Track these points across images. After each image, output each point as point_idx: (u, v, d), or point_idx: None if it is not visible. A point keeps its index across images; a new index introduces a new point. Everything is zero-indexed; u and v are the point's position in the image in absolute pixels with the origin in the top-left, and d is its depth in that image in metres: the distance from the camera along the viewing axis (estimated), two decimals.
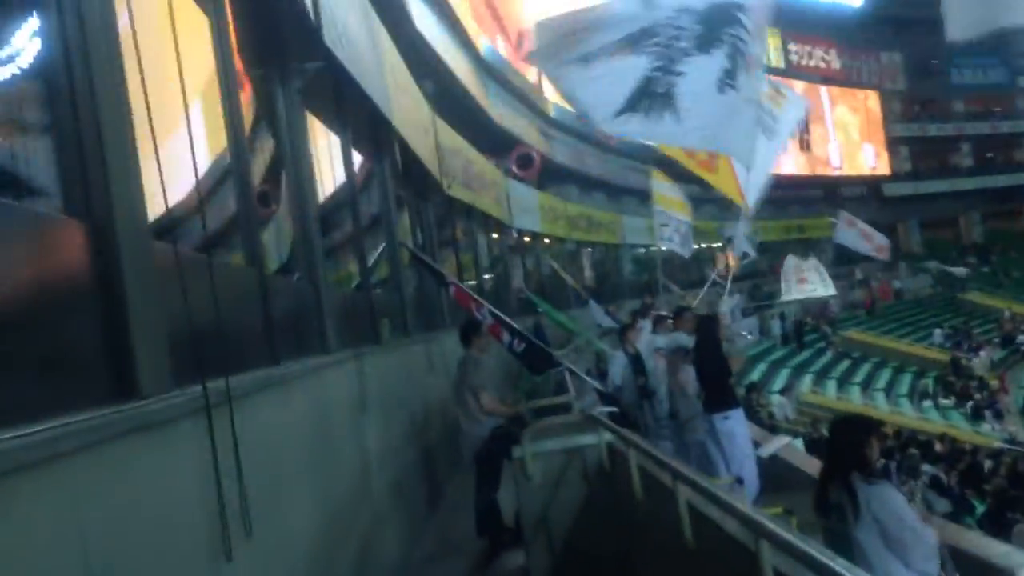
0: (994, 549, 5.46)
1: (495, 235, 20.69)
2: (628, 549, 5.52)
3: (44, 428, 1.93)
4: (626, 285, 33.20)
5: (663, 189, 18.55)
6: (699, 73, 6.34)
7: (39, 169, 2.75)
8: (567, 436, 6.16)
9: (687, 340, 8.49)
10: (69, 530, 1.99)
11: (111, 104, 2.79)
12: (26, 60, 2.69)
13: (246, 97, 6.54)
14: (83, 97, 2.69)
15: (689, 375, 8.10)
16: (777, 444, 9.04)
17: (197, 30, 5.30)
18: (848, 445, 4.49)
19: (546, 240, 25.64)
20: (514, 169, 23.93)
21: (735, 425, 8.10)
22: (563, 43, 6.31)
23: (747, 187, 9.64)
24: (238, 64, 5.38)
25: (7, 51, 2.64)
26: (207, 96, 5.29)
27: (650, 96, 6.21)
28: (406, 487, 7.82)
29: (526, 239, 24.17)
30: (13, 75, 2.67)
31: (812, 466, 8.47)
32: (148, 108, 2.77)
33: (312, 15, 6.32)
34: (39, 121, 2.79)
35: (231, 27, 5.19)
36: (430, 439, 9.40)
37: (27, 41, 2.70)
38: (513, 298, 19.94)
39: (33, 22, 2.70)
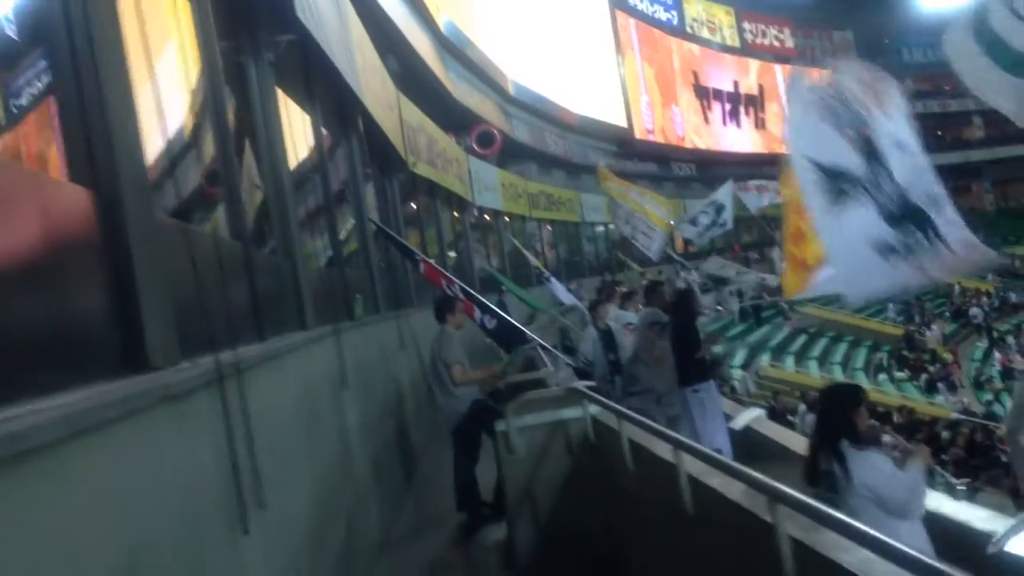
0: (974, 513, 5.57)
1: (456, 213, 20.62)
2: (615, 521, 5.57)
3: (85, 397, 1.88)
4: (586, 262, 33.32)
5: (633, 194, 18.63)
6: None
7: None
8: (551, 410, 6.17)
9: (661, 315, 8.53)
10: (108, 499, 1.94)
11: (113, 72, 2.72)
12: (28, 29, 2.60)
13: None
14: (86, 66, 2.62)
15: (666, 350, 8.14)
16: (748, 416, 9.13)
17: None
18: (837, 414, 4.55)
19: (507, 218, 25.62)
20: (475, 147, 23.84)
21: (706, 397, 8.18)
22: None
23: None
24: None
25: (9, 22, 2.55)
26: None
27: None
28: (384, 463, 7.80)
29: (487, 217, 24.14)
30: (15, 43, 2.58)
31: (784, 437, 8.59)
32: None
33: None
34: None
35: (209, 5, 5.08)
36: (404, 415, 9.40)
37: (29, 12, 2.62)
38: (476, 275, 19.92)
39: None
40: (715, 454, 3.62)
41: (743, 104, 48.77)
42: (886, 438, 5.38)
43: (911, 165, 6.08)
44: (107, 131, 2.63)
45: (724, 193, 23.22)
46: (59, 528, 1.72)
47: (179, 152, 4.59)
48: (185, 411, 2.50)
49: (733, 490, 3.63)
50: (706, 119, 46.39)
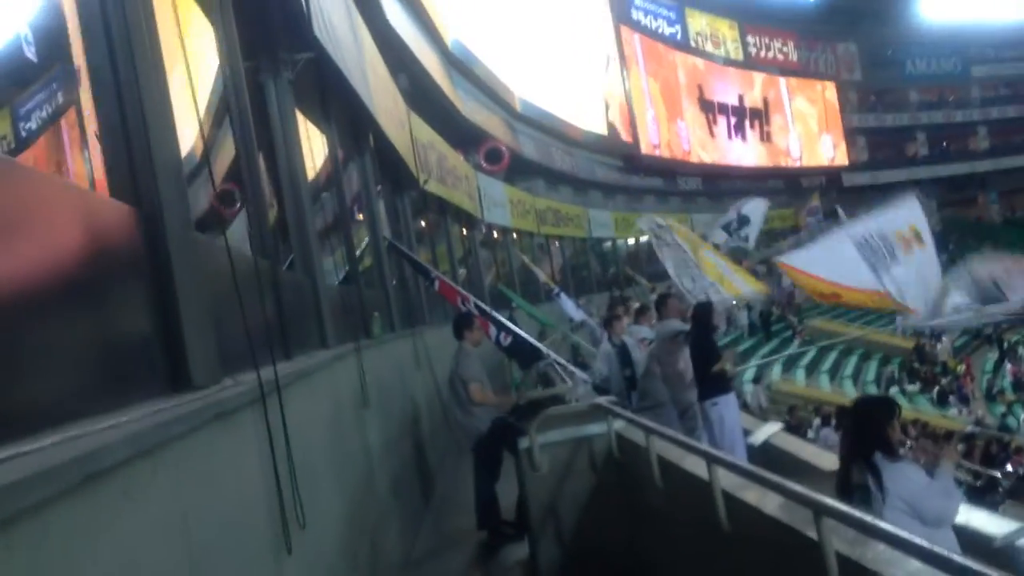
0: (1000, 525, 5.54)
1: (465, 230, 20.64)
2: (641, 538, 5.52)
3: (154, 411, 1.87)
4: (594, 278, 33.31)
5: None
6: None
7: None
8: (574, 426, 6.14)
9: (680, 324, 8.51)
10: (171, 519, 1.93)
11: (154, 92, 2.73)
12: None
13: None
14: (128, 84, 2.62)
15: (688, 361, 8.12)
16: (767, 430, 9.09)
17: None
18: (871, 426, 4.51)
19: (515, 234, 25.63)
20: (483, 163, 23.88)
21: (724, 410, 8.14)
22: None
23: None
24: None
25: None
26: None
27: None
28: (403, 481, 7.77)
29: (495, 233, 24.16)
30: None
31: (805, 451, 8.54)
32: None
33: (304, 5, 6.27)
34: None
35: (235, 27, 5.11)
36: (421, 433, 9.37)
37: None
38: (486, 292, 19.91)
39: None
40: (754, 468, 3.59)
41: (748, 118, 48.84)
42: (908, 443, 5.36)
43: None
44: (148, 149, 2.63)
45: (753, 208, 22.60)
46: (127, 549, 1.71)
47: (204, 170, 4.61)
48: (233, 429, 2.49)
49: (770, 504, 3.60)
50: (711, 133, 46.47)
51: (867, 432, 4.52)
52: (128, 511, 1.72)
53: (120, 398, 2.18)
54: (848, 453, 4.66)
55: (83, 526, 1.54)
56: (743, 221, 21.84)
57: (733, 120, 48.05)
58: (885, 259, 9.79)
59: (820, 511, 2.83)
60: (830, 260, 9.82)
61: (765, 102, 49.65)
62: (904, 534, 2.42)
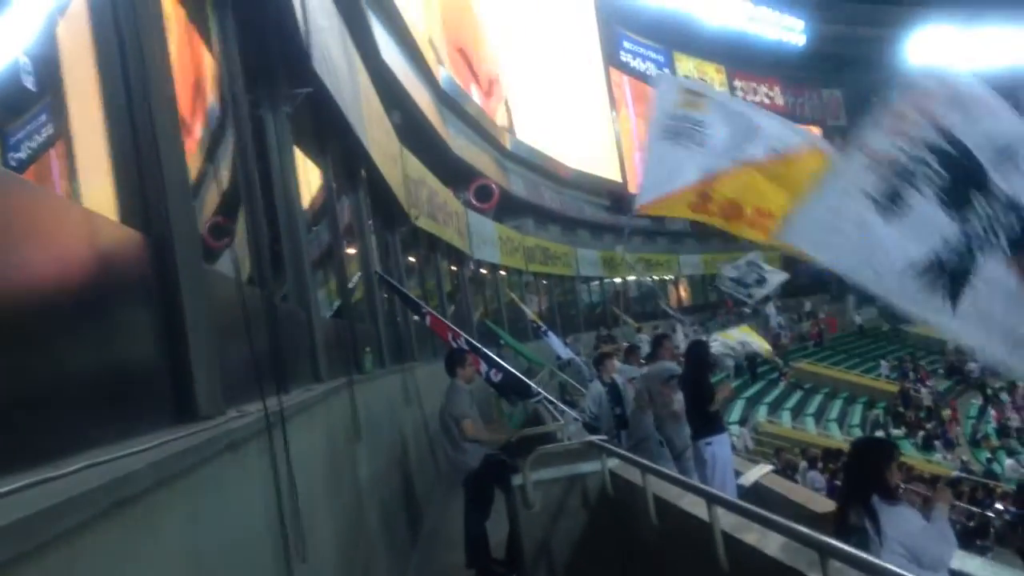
0: (993, 572, 5.53)
1: (454, 266, 20.65)
2: None
3: (165, 441, 1.85)
4: (582, 316, 33.33)
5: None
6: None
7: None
8: (568, 463, 6.11)
9: (674, 367, 8.50)
10: (189, 543, 1.91)
11: (166, 121, 2.73)
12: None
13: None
14: (140, 114, 2.63)
15: (682, 403, 8.10)
16: (758, 472, 9.06)
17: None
18: (870, 468, 4.51)
19: (503, 272, 25.66)
20: (472, 201, 23.95)
21: (717, 449, 8.11)
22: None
23: None
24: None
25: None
26: None
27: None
28: (392, 517, 7.69)
29: (483, 270, 24.18)
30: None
31: (796, 493, 8.52)
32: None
33: (304, 40, 6.32)
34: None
35: (238, 60, 5.14)
36: (409, 469, 9.30)
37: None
38: (474, 328, 19.88)
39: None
40: (757, 509, 3.58)
41: None
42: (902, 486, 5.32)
43: None
44: (160, 176, 2.63)
45: (774, 275, 21.85)
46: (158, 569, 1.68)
47: (207, 200, 4.61)
48: (241, 460, 2.47)
49: (771, 546, 3.58)
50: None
51: (865, 474, 4.51)
52: (149, 540, 1.70)
53: (127, 426, 2.16)
54: (846, 495, 4.65)
55: (110, 554, 1.52)
56: (760, 281, 21.45)
57: None
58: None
59: (826, 553, 2.82)
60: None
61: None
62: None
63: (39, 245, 1.97)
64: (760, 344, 18.45)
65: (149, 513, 1.69)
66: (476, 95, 26.01)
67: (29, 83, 4.12)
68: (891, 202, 4.88)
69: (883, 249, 4.85)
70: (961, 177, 4.81)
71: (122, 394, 2.24)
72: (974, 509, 12.79)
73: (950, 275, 4.71)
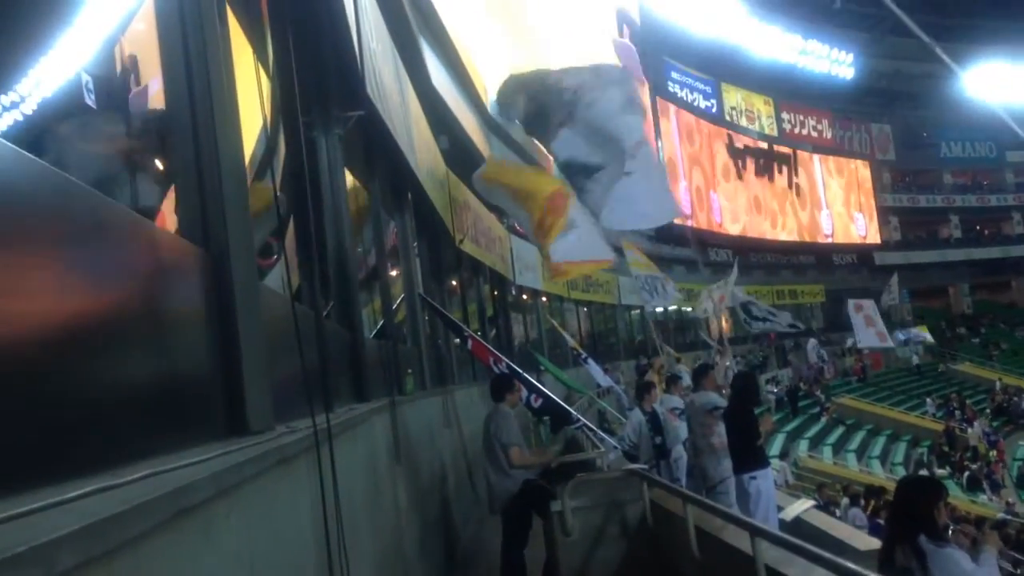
0: None
1: (495, 291, 20.69)
2: None
3: (220, 454, 1.88)
4: (622, 345, 33.18)
5: (633, 255, 18.70)
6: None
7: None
8: (607, 491, 6.08)
9: (718, 399, 8.41)
10: (244, 557, 1.93)
11: (229, 137, 2.79)
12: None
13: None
14: (205, 129, 2.69)
15: (723, 435, 8.02)
16: (799, 507, 8.95)
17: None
18: (918, 507, 4.43)
19: (544, 298, 25.65)
20: (517, 227, 24.01)
21: (761, 484, 8.01)
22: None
23: None
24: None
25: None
26: None
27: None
28: (429, 541, 7.68)
29: (524, 296, 24.19)
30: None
31: (837, 529, 8.39)
32: None
33: (358, 64, 6.41)
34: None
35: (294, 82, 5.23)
36: (447, 493, 9.30)
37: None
38: (515, 353, 19.88)
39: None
40: (802, 543, 3.53)
41: (775, 160, 48.97)
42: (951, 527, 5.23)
43: None
44: (220, 191, 2.68)
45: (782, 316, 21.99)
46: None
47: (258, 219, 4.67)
48: (292, 475, 2.49)
49: None
50: (739, 175, 46.38)
51: (913, 514, 4.43)
52: (208, 548, 1.72)
53: (182, 438, 2.19)
54: (892, 534, 4.56)
55: (172, 561, 1.55)
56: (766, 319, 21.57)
57: (761, 161, 48.16)
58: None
59: None
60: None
61: (794, 153, 49.81)
62: None
63: (104, 256, 2.02)
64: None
65: (208, 522, 1.72)
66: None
67: (91, 101, 4.24)
68: None
69: None
70: None
71: (177, 406, 2.28)
72: (1021, 557, 12.48)
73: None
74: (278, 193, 5.34)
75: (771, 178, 48.57)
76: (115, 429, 1.89)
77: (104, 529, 1.30)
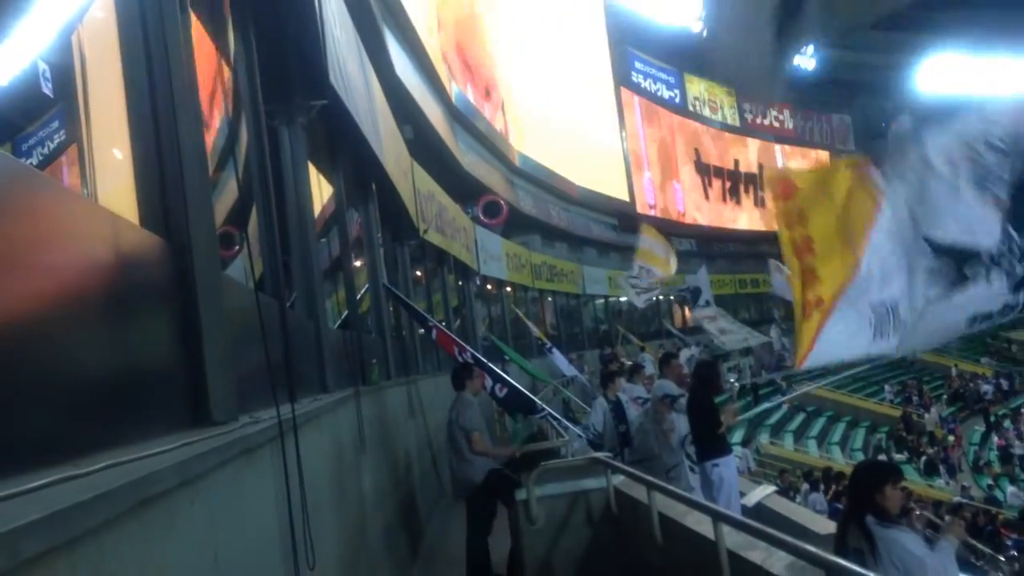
0: None
1: (460, 281, 20.69)
2: None
3: (182, 444, 1.88)
4: (586, 334, 33.31)
5: (648, 244, 18.72)
6: None
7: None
8: (572, 479, 6.12)
9: (673, 387, 8.51)
10: (209, 546, 1.93)
11: (190, 128, 2.77)
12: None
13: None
14: (165, 121, 2.67)
15: (674, 423, 8.12)
16: (761, 493, 9.05)
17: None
18: (868, 490, 4.51)
19: (509, 288, 25.68)
20: (481, 217, 24.02)
21: (724, 471, 8.11)
22: None
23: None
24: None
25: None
26: None
27: None
28: (393, 531, 7.69)
29: (489, 286, 24.22)
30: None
31: (799, 515, 8.51)
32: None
33: (321, 53, 6.36)
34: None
35: (256, 72, 5.19)
36: (412, 482, 9.30)
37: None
38: (479, 343, 19.89)
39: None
40: (764, 527, 3.58)
41: (743, 182, 49.35)
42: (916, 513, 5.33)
43: None
44: (182, 182, 2.66)
45: (699, 279, 22.79)
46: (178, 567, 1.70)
47: (219, 209, 4.65)
48: (256, 466, 2.49)
49: (776, 565, 3.59)
50: (706, 195, 46.85)
51: (862, 495, 4.51)
52: (171, 540, 1.72)
53: (144, 429, 2.18)
54: (845, 517, 4.65)
55: (136, 550, 1.55)
56: (696, 293, 21.99)
57: (728, 184, 48.55)
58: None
59: (833, 572, 2.83)
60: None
61: (760, 167, 50.19)
62: None
63: (63, 245, 2.00)
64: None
65: (172, 512, 1.72)
66: (486, 110, 26.06)
67: (48, 89, 4.18)
68: None
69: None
70: None
71: (140, 397, 2.27)
72: (986, 549, 12.70)
73: None
74: (240, 183, 5.31)
75: (739, 201, 48.93)
76: (77, 420, 1.88)
77: (66, 518, 1.30)
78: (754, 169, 50.10)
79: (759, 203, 49.70)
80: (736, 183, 49.13)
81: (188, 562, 1.82)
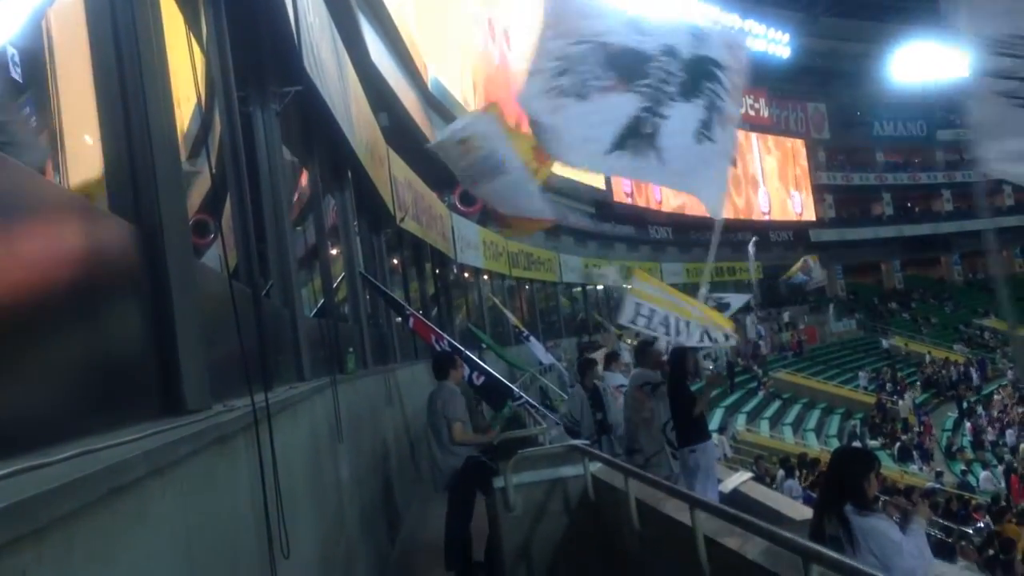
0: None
1: (437, 269, 20.63)
2: None
3: (154, 432, 1.85)
4: (563, 323, 33.35)
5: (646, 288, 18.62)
6: (681, 119, 6.72)
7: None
8: (549, 467, 6.12)
9: (649, 374, 8.53)
10: (181, 536, 1.90)
11: (160, 111, 2.72)
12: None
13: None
14: (135, 105, 2.62)
15: (655, 411, 8.14)
16: (737, 479, 9.11)
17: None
18: (848, 478, 4.51)
19: (486, 276, 25.65)
20: (458, 205, 23.94)
21: (701, 457, 8.15)
22: (552, 74, 6.45)
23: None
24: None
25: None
26: None
27: (637, 136, 6.50)
28: (371, 519, 7.67)
29: (466, 274, 24.17)
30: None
31: (775, 500, 8.57)
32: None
33: (295, 38, 6.30)
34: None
35: (229, 57, 5.12)
36: (389, 471, 9.28)
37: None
38: (456, 331, 19.86)
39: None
40: (741, 513, 3.59)
41: None
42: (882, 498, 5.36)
43: None
44: (152, 167, 2.61)
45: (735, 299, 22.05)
46: (141, 571, 1.67)
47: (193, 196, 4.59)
48: (229, 454, 2.46)
49: (752, 551, 3.60)
50: None
51: (842, 484, 4.51)
52: (142, 527, 1.69)
53: (114, 417, 2.14)
54: (822, 504, 4.65)
55: (104, 541, 1.52)
56: (724, 307, 21.51)
57: None
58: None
59: (810, 558, 2.84)
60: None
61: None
62: None
63: (25, 230, 1.96)
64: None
65: (142, 501, 1.69)
66: (448, 81, 25.91)
67: (17, 75, 4.10)
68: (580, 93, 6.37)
69: (589, 137, 6.47)
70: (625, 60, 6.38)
71: (109, 385, 2.23)
72: (952, 526, 12.90)
73: (648, 136, 6.25)
74: (213, 170, 5.25)
75: None
76: (44, 409, 1.84)
77: (33, 507, 1.27)
78: None
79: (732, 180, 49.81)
80: None
81: (159, 552, 1.79)
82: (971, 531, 13.00)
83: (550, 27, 6.58)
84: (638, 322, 10.57)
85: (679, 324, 8.66)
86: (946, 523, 12.98)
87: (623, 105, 6.39)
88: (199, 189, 6.62)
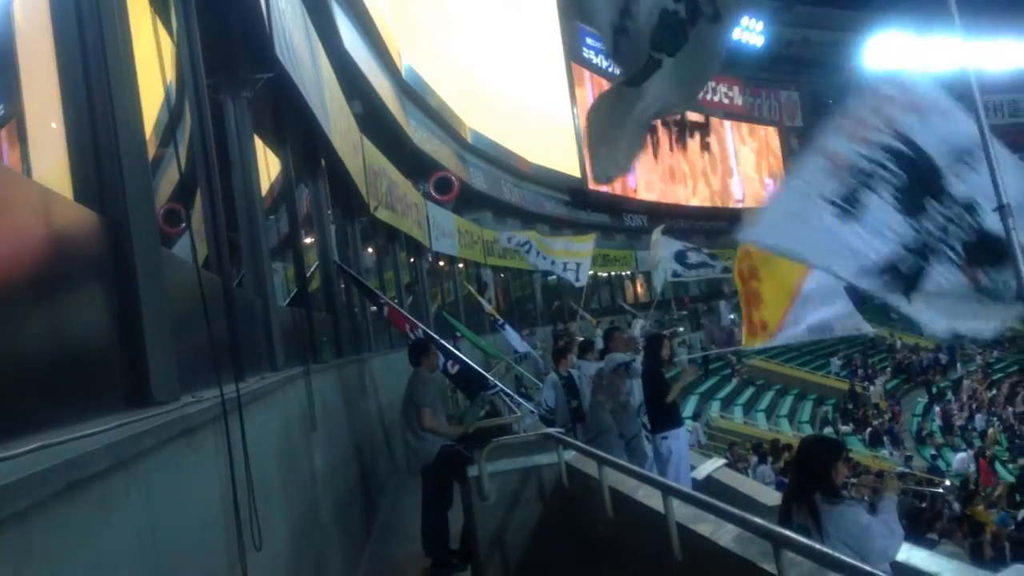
0: (938, 564, 5.63)
1: (412, 258, 20.58)
2: (591, 570, 5.50)
3: (120, 424, 1.82)
4: (539, 311, 33.39)
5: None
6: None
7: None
8: (523, 455, 6.12)
9: (622, 356, 8.57)
10: (146, 529, 1.88)
11: (126, 100, 2.68)
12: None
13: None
14: (99, 92, 2.57)
15: (630, 392, 8.19)
16: (711, 465, 9.17)
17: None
18: (815, 467, 4.52)
19: (461, 264, 25.62)
20: (432, 193, 23.88)
21: (674, 443, 8.20)
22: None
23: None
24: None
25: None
26: None
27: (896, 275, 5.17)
28: (346, 508, 7.65)
29: (441, 262, 24.12)
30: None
31: (747, 487, 8.64)
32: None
33: (266, 24, 6.24)
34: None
35: (199, 43, 5.05)
36: (364, 459, 9.26)
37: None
38: (431, 320, 19.83)
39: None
40: (712, 500, 3.61)
41: (688, 130, 49.49)
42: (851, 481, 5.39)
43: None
44: (118, 156, 2.58)
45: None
46: (103, 565, 1.65)
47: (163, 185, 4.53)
48: (197, 446, 2.44)
49: (725, 537, 3.61)
50: (655, 155, 46.60)
51: (810, 473, 4.52)
52: (104, 522, 1.67)
53: (80, 410, 2.11)
54: (790, 492, 4.67)
55: (66, 534, 1.49)
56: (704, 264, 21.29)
57: (675, 134, 48.60)
58: None
59: (780, 543, 2.85)
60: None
61: (706, 119, 50.39)
62: (867, 568, 2.45)
63: None
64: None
65: (104, 495, 1.67)
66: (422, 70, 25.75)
67: None
68: (850, 206, 4.91)
69: (842, 252, 4.94)
70: (917, 180, 4.84)
71: (74, 377, 2.20)
72: (923, 489, 13.08)
73: (904, 278, 4.86)
74: (184, 158, 5.19)
75: (684, 146, 49.16)
76: (4, 402, 1.81)
77: None
78: (701, 119, 50.21)
79: (705, 148, 50.04)
80: (683, 130, 49.12)
81: (124, 546, 1.77)
82: (942, 490, 13.22)
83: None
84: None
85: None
86: (917, 488, 13.15)
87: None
88: (169, 177, 6.55)
